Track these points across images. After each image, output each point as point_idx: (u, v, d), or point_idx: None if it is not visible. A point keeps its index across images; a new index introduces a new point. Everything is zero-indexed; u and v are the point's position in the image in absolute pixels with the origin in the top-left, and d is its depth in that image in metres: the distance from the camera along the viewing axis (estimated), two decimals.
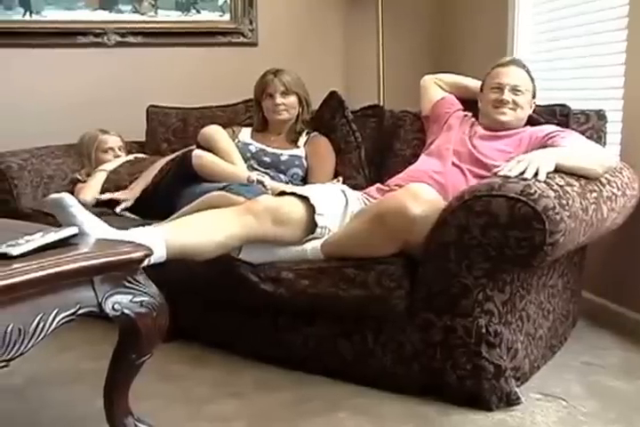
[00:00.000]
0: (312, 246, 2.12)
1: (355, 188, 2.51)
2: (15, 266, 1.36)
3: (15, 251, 1.42)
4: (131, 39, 3.80)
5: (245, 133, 2.97)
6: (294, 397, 2.04)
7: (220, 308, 2.37)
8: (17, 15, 3.67)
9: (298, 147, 2.90)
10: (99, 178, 3.03)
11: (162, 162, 2.93)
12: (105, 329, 2.01)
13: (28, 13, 3.68)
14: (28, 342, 1.36)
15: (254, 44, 3.91)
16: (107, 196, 2.84)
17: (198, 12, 3.88)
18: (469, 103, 2.69)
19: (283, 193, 2.21)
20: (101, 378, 1.69)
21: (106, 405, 1.68)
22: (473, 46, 3.64)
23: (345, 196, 2.31)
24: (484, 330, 1.91)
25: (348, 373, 2.13)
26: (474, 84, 2.70)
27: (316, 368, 2.18)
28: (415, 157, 2.66)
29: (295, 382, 2.14)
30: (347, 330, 2.11)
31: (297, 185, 2.70)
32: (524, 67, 2.55)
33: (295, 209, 2.12)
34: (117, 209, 2.77)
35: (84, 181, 3.09)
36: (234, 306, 2.32)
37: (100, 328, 2.08)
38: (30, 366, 1.88)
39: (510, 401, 1.95)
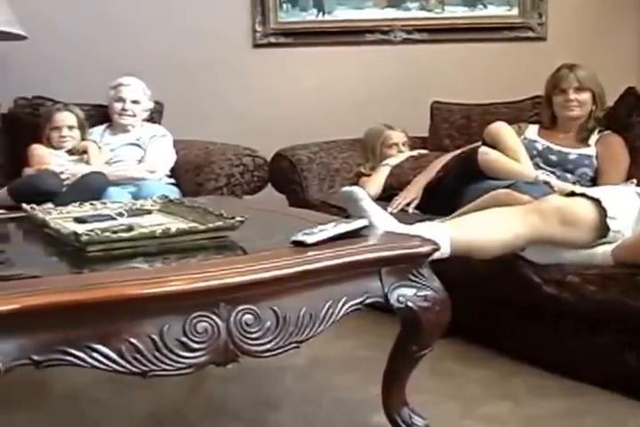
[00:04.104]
0: (603, 250, 2.01)
1: None
2: (310, 253, 1.43)
3: (310, 239, 1.48)
4: (416, 36, 3.86)
5: (532, 131, 2.87)
6: (569, 407, 1.94)
7: (497, 306, 2.33)
8: (311, 16, 3.87)
9: (588, 146, 2.75)
10: (382, 172, 3.09)
11: (446, 157, 2.92)
12: (377, 320, 2.09)
13: (320, 14, 3.87)
14: (318, 326, 1.43)
15: (543, 39, 3.80)
16: (396, 208, 2.80)
17: (485, 6, 3.84)
18: None
19: (572, 193, 2.12)
20: (374, 367, 1.73)
21: (383, 393, 1.72)
22: None
23: None
24: None
25: (632, 387, 1.99)
26: None
27: (593, 378, 2.06)
28: None
29: (570, 392, 2.04)
30: (635, 341, 1.97)
31: (585, 186, 2.57)
32: None
33: (585, 211, 2.02)
34: (409, 209, 2.79)
35: (368, 175, 3.16)
36: (512, 306, 2.27)
37: (372, 319, 2.16)
38: (311, 349, 1.97)
39: None
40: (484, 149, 2.64)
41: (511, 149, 2.65)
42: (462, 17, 3.85)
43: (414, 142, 3.40)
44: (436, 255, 1.74)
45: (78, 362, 1.21)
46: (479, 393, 2.05)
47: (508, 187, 2.35)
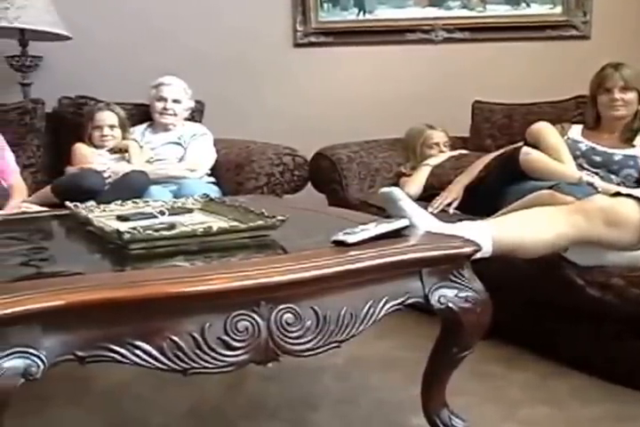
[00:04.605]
0: None
1: None
2: (351, 253, 1.42)
3: (351, 239, 1.48)
4: (458, 35, 3.84)
5: (575, 131, 2.83)
6: (610, 412, 1.91)
7: (539, 308, 2.30)
8: (351, 15, 3.87)
9: (633, 146, 2.70)
10: (423, 172, 3.07)
11: (488, 157, 2.89)
12: (415, 320, 2.08)
13: (361, 13, 3.87)
14: (359, 326, 1.42)
15: (586, 38, 3.75)
16: (437, 208, 2.77)
17: (528, 5, 3.80)
18: None
19: (617, 194, 2.08)
20: (414, 367, 1.72)
21: (423, 394, 1.71)
22: None
23: None
24: None
25: None
26: None
27: (636, 383, 2.03)
28: None
29: (614, 397, 2.00)
30: None
31: (630, 187, 2.51)
32: None
33: (630, 211, 1.97)
34: (450, 210, 2.77)
35: (409, 175, 3.15)
36: (555, 308, 2.24)
37: (411, 319, 2.17)
38: (350, 349, 1.96)
39: None
40: (525, 149, 2.60)
41: (554, 148, 2.62)
42: (504, 15, 3.81)
43: (455, 142, 3.38)
44: (478, 255, 1.72)
45: (120, 358, 1.22)
46: (519, 396, 2.03)
47: (550, 188, 2.32)
